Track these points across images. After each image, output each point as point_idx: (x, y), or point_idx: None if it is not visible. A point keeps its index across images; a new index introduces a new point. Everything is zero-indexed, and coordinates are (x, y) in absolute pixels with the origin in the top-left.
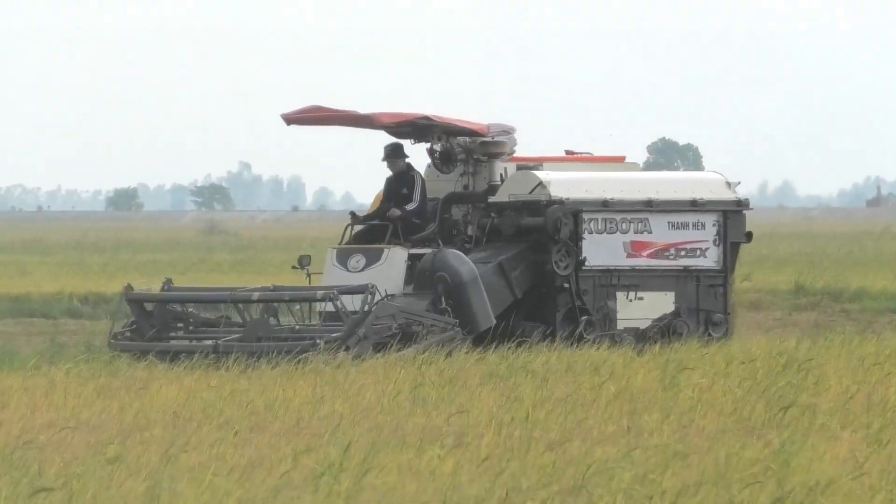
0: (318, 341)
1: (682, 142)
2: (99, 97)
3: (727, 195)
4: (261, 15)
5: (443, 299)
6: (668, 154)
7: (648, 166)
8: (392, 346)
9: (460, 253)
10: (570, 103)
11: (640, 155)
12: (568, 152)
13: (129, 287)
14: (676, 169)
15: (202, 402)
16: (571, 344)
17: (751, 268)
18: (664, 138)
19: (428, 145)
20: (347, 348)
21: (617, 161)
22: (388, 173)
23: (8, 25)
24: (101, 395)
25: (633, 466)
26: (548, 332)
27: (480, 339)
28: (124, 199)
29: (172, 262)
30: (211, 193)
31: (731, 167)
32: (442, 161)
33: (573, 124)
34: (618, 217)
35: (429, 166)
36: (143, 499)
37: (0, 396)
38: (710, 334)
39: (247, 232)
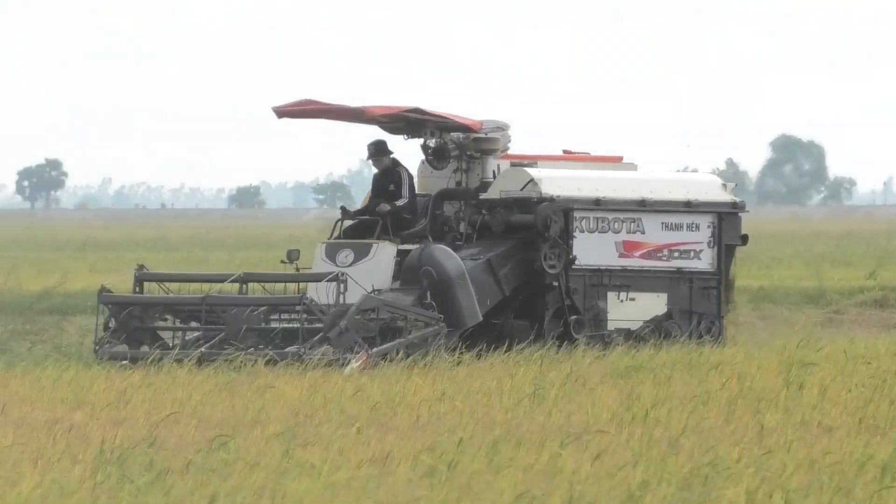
0: (301, 350)
1: (804, 138)
2: (222, 96)
3: (722, 197)
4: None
5: (428, 294)
6: (789, 150)
7: (770, 162)
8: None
9: (447, 248)
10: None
11: (761, 154)
12: (565, 151)
13: (142, 267)
14: (800, 166)
15: (323, 399)
16: (561, 344)
17: (875, 265)
18: (784, 135)
19: (421, 140)
20: (329, 342)
21: (614, 161)
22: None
23: (138, 28)
24: (224, 391)
25: (755, 465)
26: (534, 330)
27: (467, 336)
28: (247, 197)
29: None
30: (332, 191)
31: (855, 164)
32: (435, 157)
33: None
34: (610, 216)
35: (422, 162)
36: (262, 492)
37: (123, 393)
38: (702, 337)
39: None
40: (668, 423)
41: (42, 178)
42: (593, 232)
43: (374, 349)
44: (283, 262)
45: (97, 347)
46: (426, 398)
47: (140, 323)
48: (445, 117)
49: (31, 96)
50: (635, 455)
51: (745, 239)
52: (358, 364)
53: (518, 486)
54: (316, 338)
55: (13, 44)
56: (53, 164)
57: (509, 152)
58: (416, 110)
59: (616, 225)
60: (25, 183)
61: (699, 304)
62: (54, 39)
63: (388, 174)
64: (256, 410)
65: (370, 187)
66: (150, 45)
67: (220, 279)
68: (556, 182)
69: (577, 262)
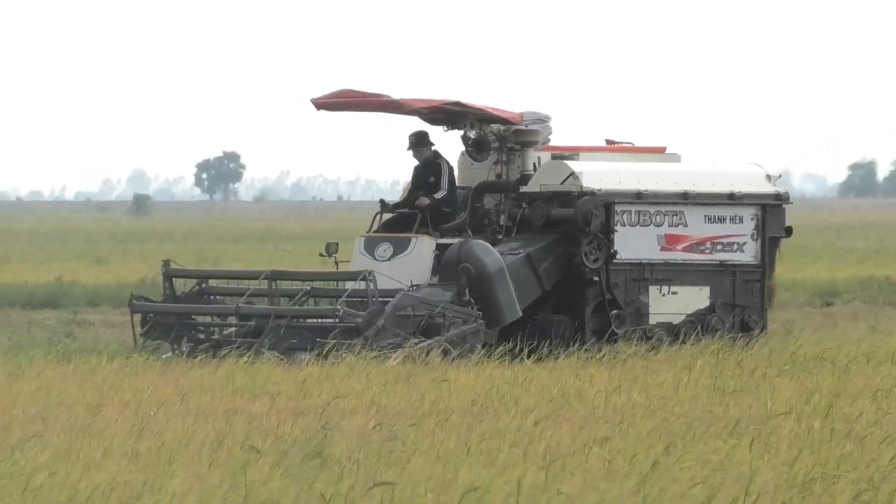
0: (336, 329)
1: None
2: (395, 88)
3: (767, 188)
4: None
5: (467, 291)
6: None
7: None
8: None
9: (486, 243)
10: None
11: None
12: (608, 142)
13: (168, 262)
14: None
15: (499, 391)
16: (603, 340)
17: None
18: None
19: (462, 132)
20: (366, 339)
21: (657, 152)
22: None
23: (309, 19)
24: (402, 382)
25: None
26: (575, 326)
27: (507, 332)
28: None
29: None
30: None
31: None
32: (475, 149)
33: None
34: (652, 209)
35: (462, 154)
36: (438, 482)
37: (302, 383)
38: (745, 330)
39: None
40: (848, 416)
41: (220, 171)
42: (635, 225)
43: (411, 346)
44: (321, 255)
45: (137, 345)
46: (602, 390)
47: (175, 319)
48: (485, 110)
49: (210, 90)
50: (814, 448)
51: (789, 231)
52: (396, 362)
53: (695, 478)
54: (356, 321)
55: (192, 38)
56: (231, 157)
57: (551, 143)
58: (457, 104)
59: (658, 218)
60: (204, 175)
61: (742, 298)
62: (231, 34)
63: (429, 166)
64: (433, 401)
65: (411, 179)
66: (324, 35)
67: (249, 276)
68: (596, 175)
69: (618, 257)
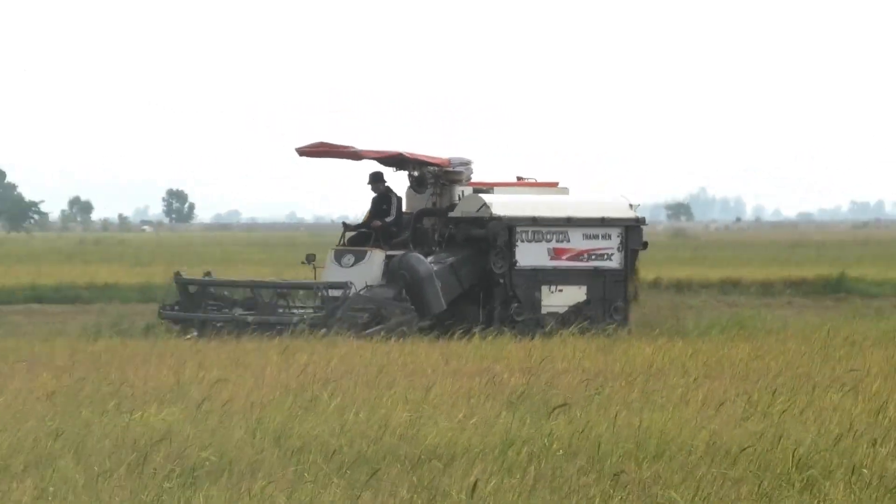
0: (304, 318)
1: None
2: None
3: (628, 214)
4: None
5: (403, 291)
6: None
7: None
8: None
9: (420, 256)
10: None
11: None
12: (518, 178)
13: (178, 273)
14: None
15: (671, 357)
16: (504, 324)
17: None
18: None
19: (407, 172)
20: (327, 326)
21: (552, 185)
22: (373, 195)
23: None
24: (601, 350)
25: None
26: (485, 315)
27: (438, 321)
28: None
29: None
30: (678, 208)
31: None
32: (417, 184)
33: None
34: (544, 230)
35: (408, 187)
36: (625, 423)
37: (529, 351)
38: (612, 317)
39: (703, 237)
40: None
41: None
42: (531, 242)
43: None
44: (302, 262)
45: (161, 310)
46: (746, 357)
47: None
48: (419, 159)
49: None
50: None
51: (645, 245)
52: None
53: (808, 422)
54: (320, 314)
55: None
56: None
57: (473, 180)
58: (398, 154)
59: (548, 236)
60: None
61: (610, 294)
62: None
63: (383, 197)
64: (622, 365)
65: (370, 207)
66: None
67: (239, 284)
68: (503, 205)
69: (518, 265)
